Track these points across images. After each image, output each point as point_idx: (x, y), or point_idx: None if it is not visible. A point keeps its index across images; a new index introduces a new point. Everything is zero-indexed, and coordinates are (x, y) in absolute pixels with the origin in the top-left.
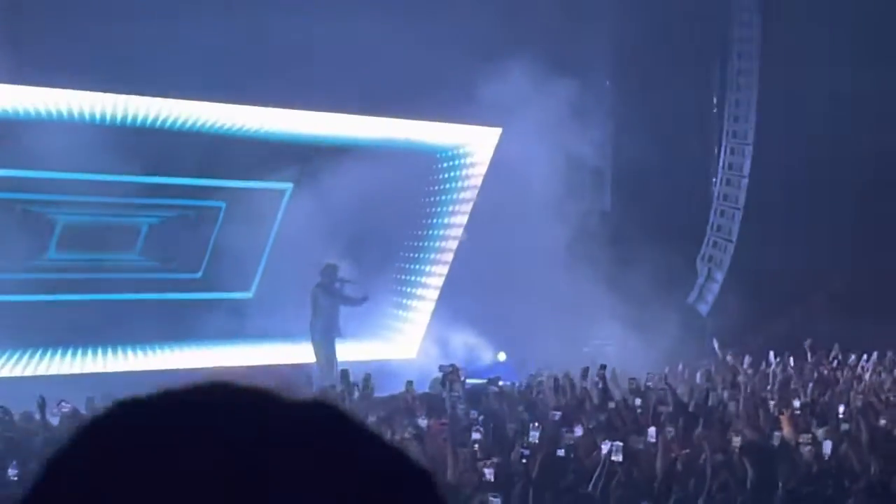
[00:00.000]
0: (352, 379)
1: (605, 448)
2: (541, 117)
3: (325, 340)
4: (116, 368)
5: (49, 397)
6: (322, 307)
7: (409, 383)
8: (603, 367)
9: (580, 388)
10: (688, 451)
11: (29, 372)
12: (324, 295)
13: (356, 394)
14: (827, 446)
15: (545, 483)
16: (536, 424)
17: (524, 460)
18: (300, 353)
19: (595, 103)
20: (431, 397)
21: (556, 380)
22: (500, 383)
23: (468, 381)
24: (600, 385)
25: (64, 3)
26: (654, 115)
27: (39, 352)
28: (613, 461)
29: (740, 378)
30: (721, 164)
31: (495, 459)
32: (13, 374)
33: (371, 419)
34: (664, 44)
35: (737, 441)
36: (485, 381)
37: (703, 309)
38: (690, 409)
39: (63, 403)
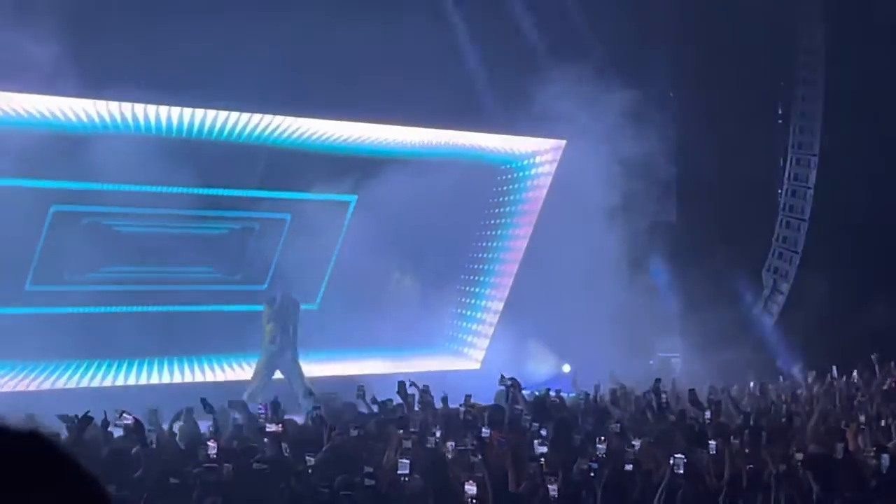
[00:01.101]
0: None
1: (669, 461)
2: (605, 129)
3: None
4: (179, 380)
5: (112, 409)
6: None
7: (468, 397)
8: (658, 380)
9: (644, 400)
10: (752, 465)
11: (95, 384)
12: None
13: (415, 406)
14: (885, 460)
15: (613, 497)
16: (602, 438)
17: (592, 474)
18: (364, 364)
19: (659, 114)
20: (494, 410)
21: (614, 392)
22: (562, 395)
23: (530, 392)
24: (660, 397)
25: (130, 17)
26: (719, 126)
27: (105, 364)
28: (677, 474)
29: (805, 391)
30: (786, 174)
31: (559, 473)
32: (80, 386)
33: (434, 431)
34: (728, 54)
35: (800, 455)
36: (545, 391)
37: (769, 320)
38: (754, 421)
39: (125, 415)
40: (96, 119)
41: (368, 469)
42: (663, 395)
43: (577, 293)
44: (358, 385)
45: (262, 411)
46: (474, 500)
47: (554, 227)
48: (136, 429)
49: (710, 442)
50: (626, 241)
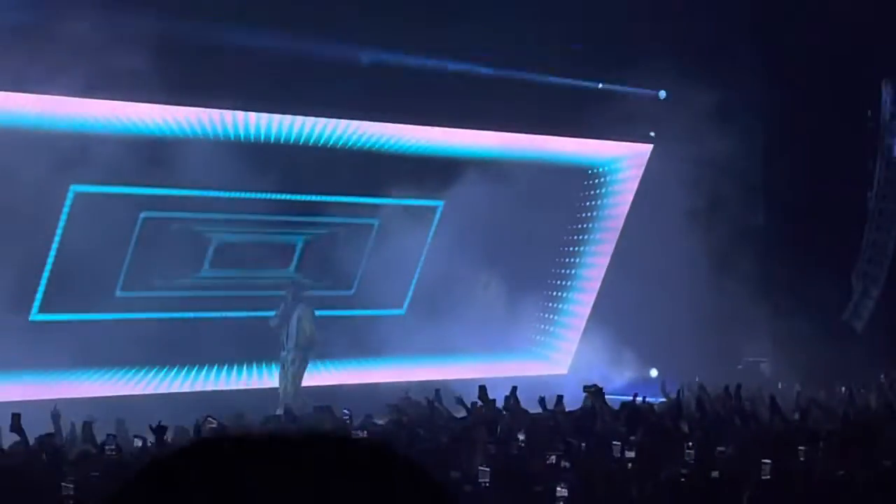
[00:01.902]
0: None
1: (755, 468)
2: (692, 131)
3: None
4: (267, 385)
5: (200, 414)
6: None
7: (542, 399)
8: (739, 385)
9: (730, 405)
10: (842, 472)
11: (185, 389)
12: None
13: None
14: None
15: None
16: (690, 444)
17: (682, 479)
18: (453, 369)
19: (746, 115)
20: (580, 415)
21: (701, 397)
22: (650, 400)
23: (616, 397)
24: (744, 402)
25: (216, 23)
26: (808, 129)
27: (194, 369)
28: (763, 481)
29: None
30: (876, 178)
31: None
32: (169, 391)
33: (519, 436)
34: (817, 54)
35: (888, 462)
36: (632, 397)
37: (858, 325)
38: (844, 427)
39: (209, 419)
40: (185, 125)
41: (455, 474)
42: (749, 401)
43: (664, 297)
44: (435, 389)
45: (347, 415)
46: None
47: (641, 231)
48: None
49: (799, 448)
50: (714, 245)
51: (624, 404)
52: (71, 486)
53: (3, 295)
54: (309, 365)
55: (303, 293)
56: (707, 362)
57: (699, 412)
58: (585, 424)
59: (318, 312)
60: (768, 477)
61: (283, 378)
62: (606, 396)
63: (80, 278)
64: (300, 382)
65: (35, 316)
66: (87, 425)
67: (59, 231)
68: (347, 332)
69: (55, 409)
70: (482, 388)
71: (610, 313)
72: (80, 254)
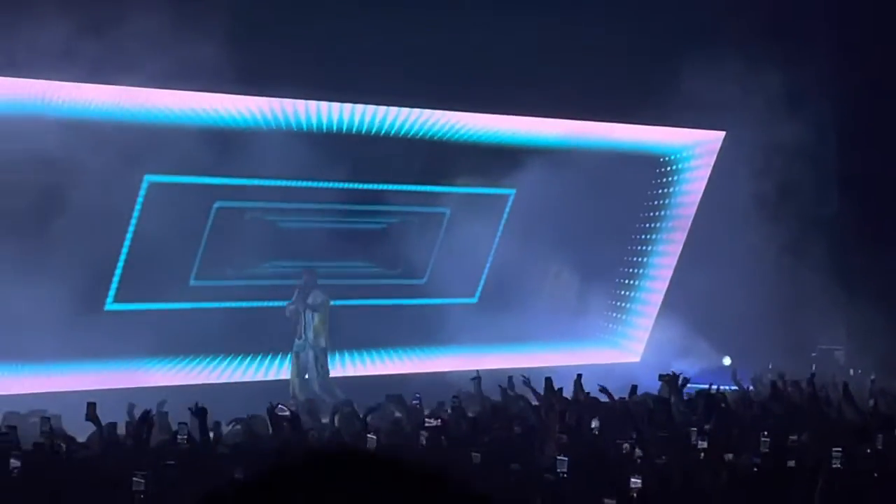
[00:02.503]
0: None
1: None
2: (765, 119)
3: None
4: (340, 374)
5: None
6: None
7: (634, 387)
8: (812, 373)
9: (804, 393)
10: None
11: (258, 378)
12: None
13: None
14: None
15: (775, 493)
16: (765, 433)
17: (756, 468)
18: (525, 358)
19: (820, 102)
20: (654, 404)
21: (775, 385)
22: (723, 388)
23: (690, 386)
24: (818, 391)
25: (287, 14)
26: (883, 114)
27: (268, 358)
28: (835, 469)
29: None
30: None
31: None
32: (243, 380)
33: (593, 424)
34: (893, 38)
35: None
36: (707, 386)
37: None
38: None
39: (280, 407)
40: (258, 115)
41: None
42: (825, 389)
43: (737, 285)
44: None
45: (418, 402)
46: (637, 495)
47: (713, 219)
48: (293, 421)
49: (878, 435)
50: (787, 233)
51: (699, 393)
52: (142, 479)
53: (79, 285)
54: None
55: (317, 281)
56: (781, 351)
57: (773, 400)
58: (660, 413)
59: (391, 302)
60: (839, 466)
61: (294, 367)
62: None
63: (154, 268)
64: (327, 372)
65: (110, 305)
66: (163, 415)
67: (133, 221)
68: (419, 320)
69: (130, 405)
70: (548, 380)
71: (682, 301)
72: (155, 244)
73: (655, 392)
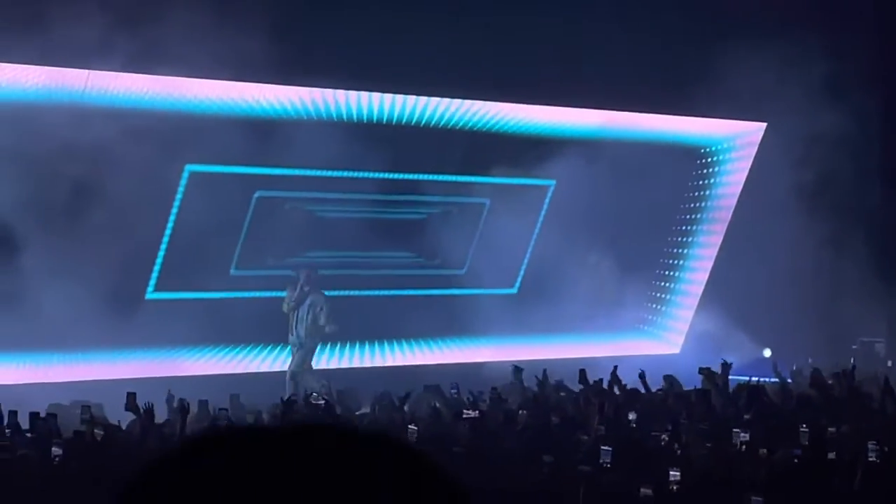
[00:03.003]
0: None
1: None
2: (806, 110)
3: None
4: (379, 364)
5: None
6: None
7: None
8: (853, 366)
9: (846, 386)
10: None
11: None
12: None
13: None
14: None
15: (815, 484)
16: (805, 424)
17: (796, 460)
18: (565, 349)
19: (863, 95)
20: (695, 397)
21: (815, 377)
22: (763, 380)
23: (731, 377)
24: (858, 383)
25: (329, 3)
26: None
27: None
28: (871, 462)
29: None
30: None
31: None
32: (283, 369)
33: (630, 416)
34: None
35: None
36: (748, 379)
37: None
38: None
39: (313, 395)
40: (298, 105)
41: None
42: (865, 382)
43: (778, 277)
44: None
45: (456, 392)
46: (676, 487)
47: (754, 211)
48: (328, 410)
49: None
50: (828, 224)
51: (739, 385)
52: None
53: (120, 273)
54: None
55: (316, 278)
56: (821, 342)
57: (813, 393)
58: (700, 405)
59: (431, 292)
60: (875, 459)
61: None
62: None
63: (194, 257)
64: (310, 368)
65: (151, 294)
66: (203, 403)
67: (174, 210)
68: (459, 311)
69: (169, 393)
70: (582, 372)
71: (723, 292)
72: (195, 233)
73: (696, 384)
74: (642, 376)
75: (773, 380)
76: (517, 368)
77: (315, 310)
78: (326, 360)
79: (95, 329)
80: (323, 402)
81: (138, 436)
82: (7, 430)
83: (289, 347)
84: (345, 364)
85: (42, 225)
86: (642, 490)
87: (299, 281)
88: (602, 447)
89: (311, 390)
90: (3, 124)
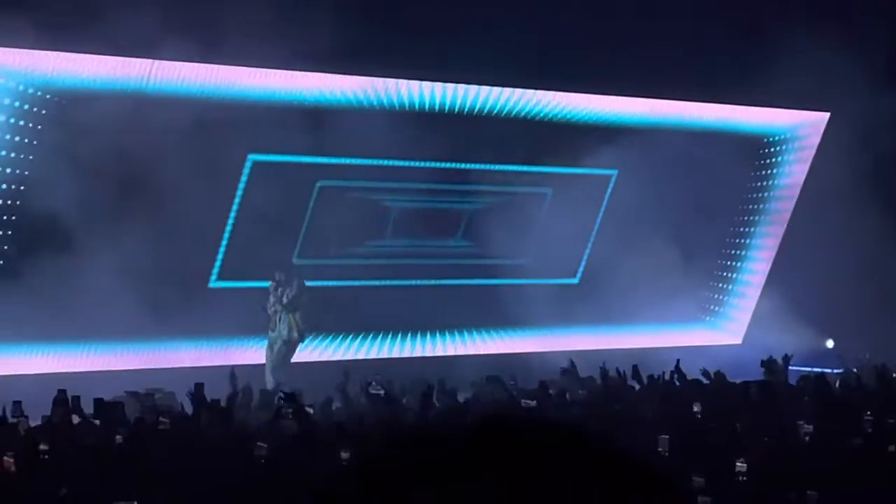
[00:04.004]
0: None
1: None
2: (869, 101)
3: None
4: (441, 353)
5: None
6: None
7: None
8: None
9: None
10: None
11: (360, 356)
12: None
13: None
14: None
15: (880, 475)
16: (869, 414)
17: (860, 451)
18: (627, 339)
19: None
20: (757, 388)
21: (880, 368)
22: (827, 371)
23: (794, 369)
24: None
25: None
26: None
27: (370, 336)
28: None
29: None
30: None
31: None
32: (345, 358)
33: (694, 407)
34: None
35: None
36: (810, 370)
37: None
38: None
39: (373, 384)
40: (360, 95)
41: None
42: None
43: (840, 267)
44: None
45: (513, 383)
46: (744, 478)
47: (818, 200)
48: (387, 400)
49: None
50: (893, 215)
51: (802, 376)
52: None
53: (183, 263)
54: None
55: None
56: (884, 333)
57: (877, 383)
58: (763, 397)
59: (493, 282)
60: None
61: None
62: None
63: (257, 246)
64: (287, 362)
65: (214, 283)
66: (265, 393)
67: (237, 200)
68: (521, 301)
69: (233, 371)
70: (635, 368)
71: (785, 283)
72: (258, 222)
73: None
74: (705, 373)
75: (836, 370)
76: (570, 363)
77: (296, 317)
78: (387, 349)
79: (159, 318)
80: (382, 391)
81: (203, 424)
82: (72, 416)
83: (347, 337)
84: (405, 353)
85: (106, 215)
86: (694, 479)
87: (280, 283)
88: (660, 436)
89: (281, 386)
90: (67, 114)
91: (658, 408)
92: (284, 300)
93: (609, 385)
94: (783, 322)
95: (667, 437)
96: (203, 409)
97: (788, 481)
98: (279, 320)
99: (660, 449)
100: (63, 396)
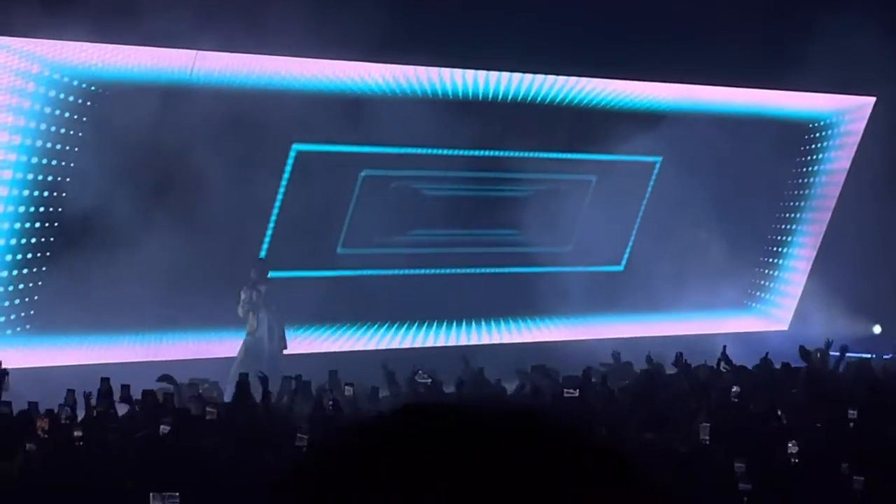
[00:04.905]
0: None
1: None
2: None
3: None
4: (487, 342)
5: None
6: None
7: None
8: None
9: None
10: None
11: (405, 345)
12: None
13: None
14: None
15: None
16: None
17: None
18: (672, 326)
19: None
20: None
21: None
22: (871, 358)
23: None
24: None
25: None
26: None
27: (414, 325)
28: None
29: None
30: None
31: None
32: (390, 347)
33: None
34: None
35: None
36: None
37: None
38: None
39: (420, 373)
40: (404, 83)
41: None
42: None
43: (887, 253)
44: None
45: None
46: (795, 459)
47: (864, 185)
48: (434, 388)
49: None
50: None
51: (849, 362)
52: (304, 436)
53: (228, 253)
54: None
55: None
56: None
57: None
58: (807, 382)
59: (536, 270)
60: None
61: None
62: (830, 353)
63: (302, 236)
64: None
65: None
66: (306, 384)
67: (281, 189)
68: (565, 288)
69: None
70: (679, 355)
71: (831, 269)
72: (302, 211)
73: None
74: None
75: (885, 356)
76: (616, 353)
77: (273, 333)
78: (432, 339)
79: (205, 308)
80: (429, 380)
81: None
82: (120, 404)
83: (392, 326)
84: (451, 342)
85: (151, 206)
86: (736, 464)
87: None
88: (701, 424)
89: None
90: (111, 105)
91: (701, 395)
92: (254, 297)
93: (654, 373)
94: (829, 308)
95: (707, 424)
96: (249, 400)
97: (834, 467)
98: (259, 322)
99: (702, 437)
100: (108, 386)
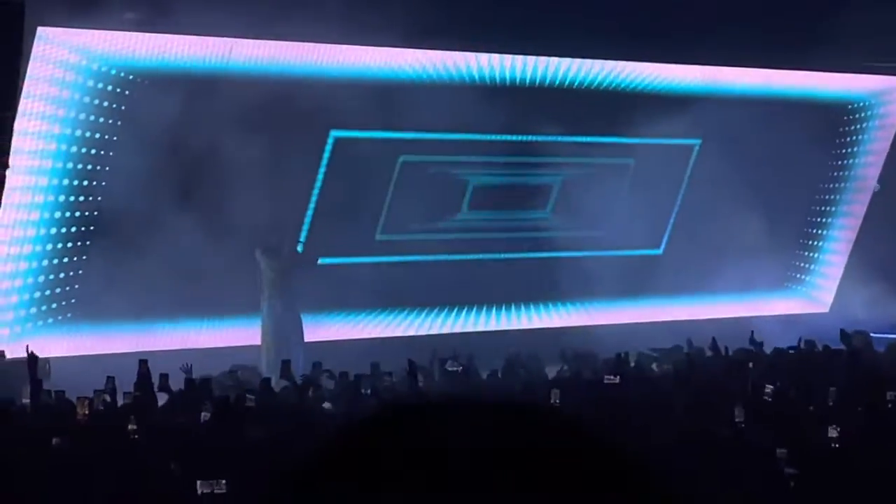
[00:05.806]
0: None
1: None
2: None
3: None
4: (526, 326)
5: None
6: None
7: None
8: None
9: None
10: None
11: (444, 330)
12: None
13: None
14: None
15: None
16: None
17: None
18: (712, 309)
19: None
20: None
21: None
22: None
23: (882, 336)
24: None
25: None
26: None
27: (454, 311)
28: None
29: None
30: None
31: None
32: (428, 333)
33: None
34: None
35: None
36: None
37: None
38: None
39: (451, 361)
40: (441, 69)
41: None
42: None
43: None
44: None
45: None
46: (836, 444)
47: None
48: (469, 374)
49: None
50: None
51: (890, 346)
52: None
53: (268, 240)
54: None
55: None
56: None
57: None
58: (847, 366)
59: (574, 254)
60: None
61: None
62: (871, 335)
63: (340, 222)
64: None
65: None
66: (344, 375)
67: (320, 176)
68: (604, 272)
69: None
70: (713, 340)
71: (873, 250)
72: (341, 198)
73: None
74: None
75: None
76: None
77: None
78: (472, 323)
79: (244, 296)
80: (460, 368)
81: (292, 403)
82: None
83: (432, 311)
84: (491, 327)
85: (189, 194)
86: (778, 451)
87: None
88: (735, 407)
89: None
90: (149, 94)
91: (737, 378)
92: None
93: (694, 358)
94: (870, 290)
95: (743, 408)
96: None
97: (875, 451)
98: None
99: (737, 419)
100: (146, 368)
